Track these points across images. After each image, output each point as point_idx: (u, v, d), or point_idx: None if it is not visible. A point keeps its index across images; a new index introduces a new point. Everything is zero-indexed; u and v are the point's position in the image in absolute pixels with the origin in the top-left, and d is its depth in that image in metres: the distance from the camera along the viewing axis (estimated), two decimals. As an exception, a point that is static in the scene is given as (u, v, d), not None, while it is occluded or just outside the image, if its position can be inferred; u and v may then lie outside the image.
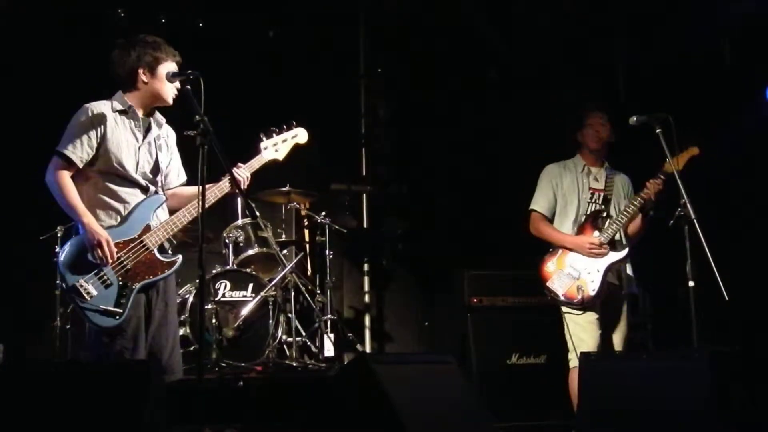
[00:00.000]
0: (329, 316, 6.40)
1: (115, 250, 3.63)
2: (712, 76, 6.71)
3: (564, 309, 4.73)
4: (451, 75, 7.37)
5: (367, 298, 7.39)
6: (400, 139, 7.63)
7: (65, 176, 3.67)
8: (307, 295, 6.34)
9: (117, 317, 3.60)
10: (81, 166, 3.70)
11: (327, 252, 6.57)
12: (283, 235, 6.70)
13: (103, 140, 3.72)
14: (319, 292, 6.48)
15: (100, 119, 3.74)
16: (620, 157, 5.07)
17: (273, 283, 5.98)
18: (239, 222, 6.24)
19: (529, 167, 5.18)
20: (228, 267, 6.05)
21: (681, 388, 3.82)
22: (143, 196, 3.82)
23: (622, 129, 4.63)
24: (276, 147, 4.07)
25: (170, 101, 3.91)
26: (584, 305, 4.65)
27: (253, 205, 4.40)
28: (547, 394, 5.24)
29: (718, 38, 6.76)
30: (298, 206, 6.72)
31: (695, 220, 4.11)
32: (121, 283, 3.64)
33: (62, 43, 6.33)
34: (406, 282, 7.45)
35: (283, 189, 6.36)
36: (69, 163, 3.68)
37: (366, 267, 7.45)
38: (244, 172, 3.93)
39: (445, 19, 7.21)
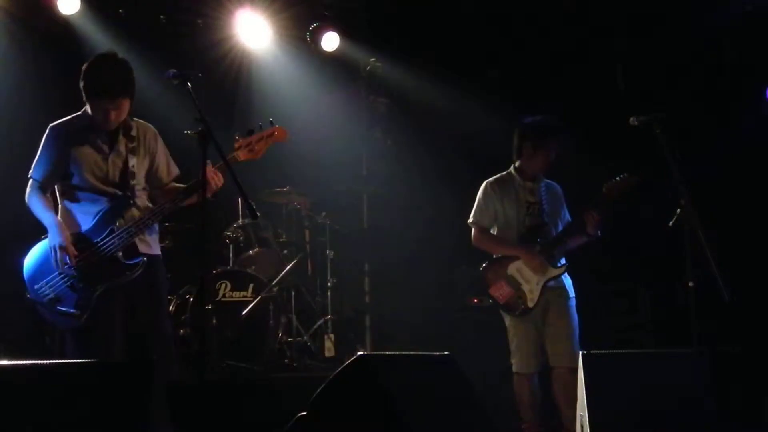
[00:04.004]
0: (329, 316, 6.40)
1: (75, 252, 3.77)
2: (712, 75, 6.71)
3: (505, 315, 4.91)
4: (451, 74, 7.36)
5: (367, 299, 7.37)
6: (400, 139, 7.62)
7: (35, 194, 3.92)
8: (307, 295, 6.33)
9: (77, 319, 3.72)
10: (49, 183, 3.91)
11: (327, 252, 6.57)
12: (284, 236, 6.70)
13: (66, 158, 3.88)
14: (319, 292, 6.48)
15: (61, 139, 3.89)
16: (620, 157, 5.07)
17: (273, 283, 5.98)
18: (240, 222, 6.24)
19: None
20: (228, 267, 6.05)
21: (681, 387, 3.82)
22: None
23: (622, 129, 4.63)
24: (251, 147, 4.06)
25: (105, 128, 3.90)
26: (523, 315, 4.82)
27: (254, 205, 4.40)
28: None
29: (718, 37, 6.76)
30: (298, 206, 6.72)
31: (695, 220, 4.12)
32: (81, 285, 3.75)
33: (62, 42, 6.33)
34: (406, 282, 7.43)
35: (284, 189, 6.36)
36: (39, 183, 3.94)
37: (366, 267, 7.44)
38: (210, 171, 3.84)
39: (446, 18, 7.21)
